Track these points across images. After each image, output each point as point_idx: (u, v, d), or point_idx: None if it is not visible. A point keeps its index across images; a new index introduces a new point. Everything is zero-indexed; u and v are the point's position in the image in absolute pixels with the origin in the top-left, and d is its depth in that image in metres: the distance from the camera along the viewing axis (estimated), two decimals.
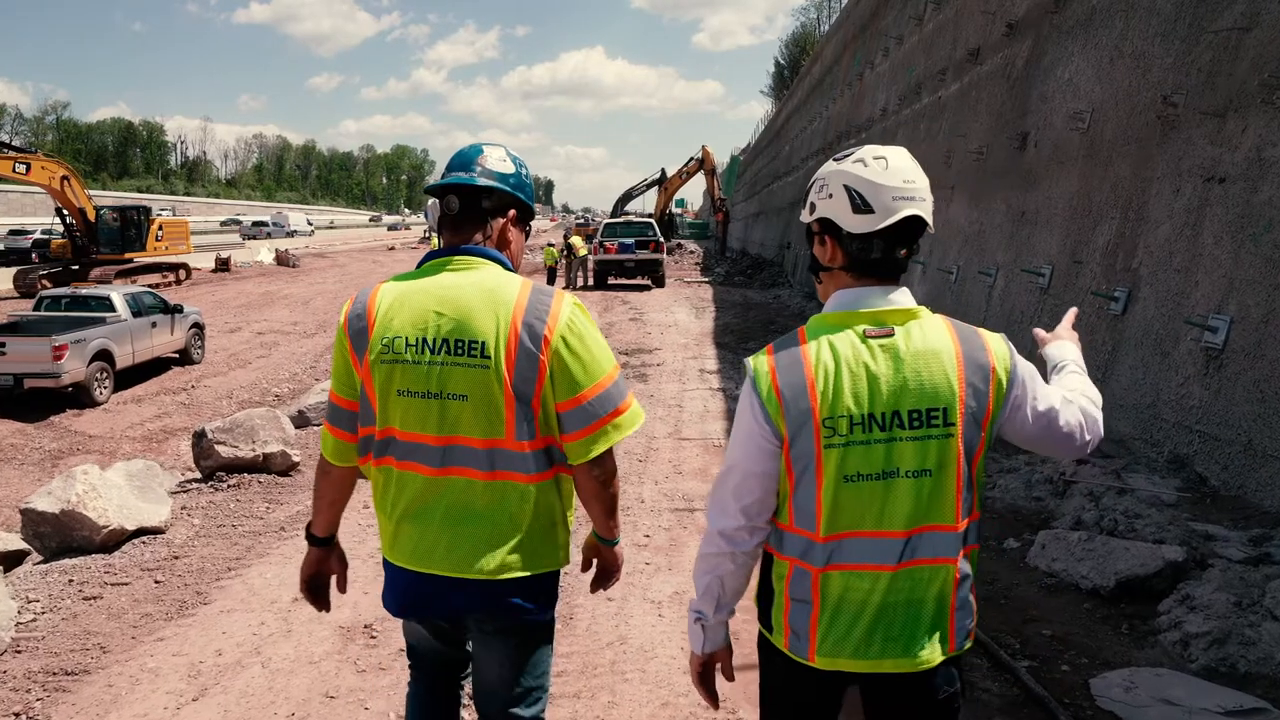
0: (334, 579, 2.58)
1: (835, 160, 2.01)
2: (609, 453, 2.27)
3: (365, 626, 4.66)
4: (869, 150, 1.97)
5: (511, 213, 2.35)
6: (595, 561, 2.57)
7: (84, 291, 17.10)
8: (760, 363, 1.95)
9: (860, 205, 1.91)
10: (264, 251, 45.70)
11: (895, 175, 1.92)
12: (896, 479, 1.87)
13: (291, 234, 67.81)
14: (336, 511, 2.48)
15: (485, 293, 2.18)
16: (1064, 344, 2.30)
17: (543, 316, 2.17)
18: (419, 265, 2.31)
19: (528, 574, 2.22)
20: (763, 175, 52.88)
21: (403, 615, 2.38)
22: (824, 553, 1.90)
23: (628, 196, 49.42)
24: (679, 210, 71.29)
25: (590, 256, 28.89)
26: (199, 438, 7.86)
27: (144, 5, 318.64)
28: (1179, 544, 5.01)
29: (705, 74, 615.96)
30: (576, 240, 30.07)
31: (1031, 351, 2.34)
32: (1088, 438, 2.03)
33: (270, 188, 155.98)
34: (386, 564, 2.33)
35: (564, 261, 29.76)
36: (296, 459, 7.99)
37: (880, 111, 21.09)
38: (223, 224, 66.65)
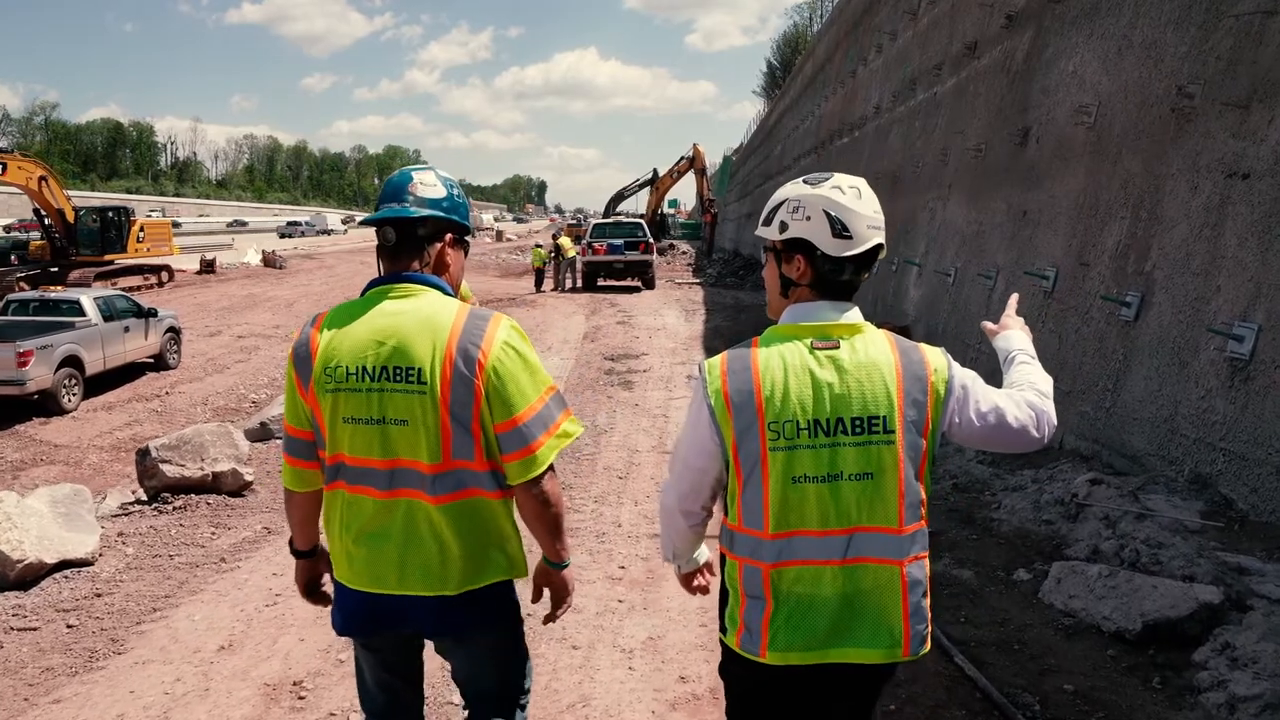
0: (327, 578, 2.58)
1: (808, 184, 2.10)
2: (550, 474, 2.30)
3: (295, 684, 4.09)
4: (843, 179, 2.10)
5: (448, 236, 2.39)
6: (546, 591, 2.53)
7: (52, 295, 16.57)
8: (714, 366, 2.07)
9: (840, 230, 2.03)
10: (251, 253, 45.03)
11: (868, 205, 2.07)
12: (840, 481, 1.98)
13: (328, 233, 74.29)
14: (312, 527, 2.53)
15: (422, 319, 2.23)
16: (1011, 334, 2.38)
17: (477, 341, 2.21)
18: (362, 293, 2.35)
19: (477, 587, 2.27)
20: (755, 175, 52.36)
21: (350, 634, 2.40)
22: (773, 550, 2.00)
23: (620, 197, 48.88)
24: (671, 210, 70.75)
25: (578, 258, 28.32)
26: (142, 455, 7.29)
27: (136, 6, 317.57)
28: (1211, 580, 4.48)
29: (698, 75, 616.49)
30: (565, 241, 29.47)
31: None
32: (1044, 431, 2.13)
33: (261, 189, 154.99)
34: (338, 587, 2.36)
35: (553, 263, 29.20)
36: (249, 478, 7.42)
37: (874, 109, 20.58)
38: None
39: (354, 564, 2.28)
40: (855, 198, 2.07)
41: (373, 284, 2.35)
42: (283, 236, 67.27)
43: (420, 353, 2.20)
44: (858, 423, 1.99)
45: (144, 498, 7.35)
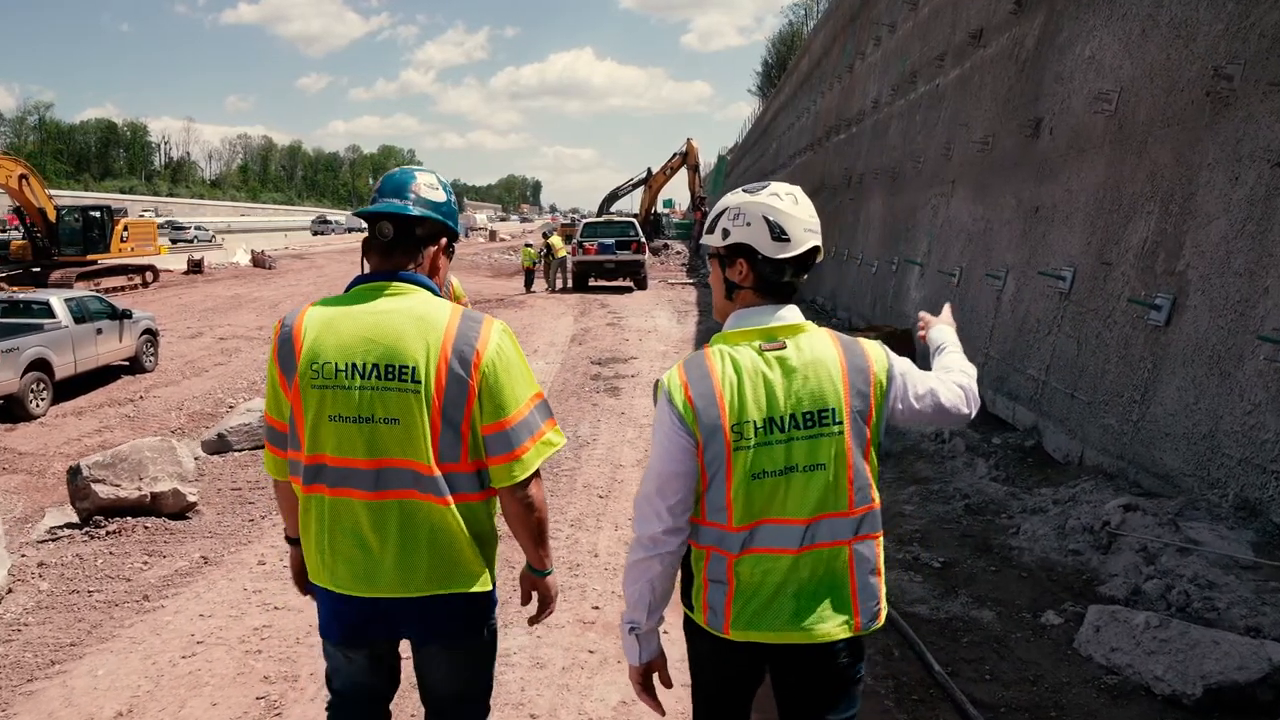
0: None
1: (747, 193, 2.22)
2: (535, 478, 2.30)
3: None
4: (780, 187, 2.23)
5: (443, 241, 2.39)
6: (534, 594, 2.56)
7: (20, 296, 15.94)
8: (673, 379, 2.17)
9: (779, 234, 2.16)
10: (240, 253, 44.48)
11: (804, 210, 2.20)
12: (795, 474, 2.11)
13: (360, 229, 79.64)
14: None
15: (416, 319, 2.21)
16: (943, 328, 2.62)
17: (472, 343, 2.20)
18: (347, 289, 2.31)
19: (467, 591, 2.25)
20: (750, 174, 51.69)
21: (344, 643, 2.34)
22: (738, 540, 2.12)
23: (614, 196, 48.21)
24: (667, 210, 69.97)
25: (569, 257, 27.65)
26: (74, 474, 6.61)
27: (133, 6, 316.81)
28: None
29: (694, 75, 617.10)
30: (556, 241, 28.82)
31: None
32: (971, 407, 2.33)
33: (255, 189, 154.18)
34: (322, 592, 2.30)
35: (543, 263, 28.54)
36: (193, 498, 6.74)
37: (872, 104, 19.92)
38: None
39: (338, 568, 2.22)
40: (792, 204, 2.18)
41: (360, 280, 2.30)
42: (315, 234, 74.57)
43: (414, 351, 2.18)
44: (809, 417, 2.11)
45: (77, 520, 6.68)
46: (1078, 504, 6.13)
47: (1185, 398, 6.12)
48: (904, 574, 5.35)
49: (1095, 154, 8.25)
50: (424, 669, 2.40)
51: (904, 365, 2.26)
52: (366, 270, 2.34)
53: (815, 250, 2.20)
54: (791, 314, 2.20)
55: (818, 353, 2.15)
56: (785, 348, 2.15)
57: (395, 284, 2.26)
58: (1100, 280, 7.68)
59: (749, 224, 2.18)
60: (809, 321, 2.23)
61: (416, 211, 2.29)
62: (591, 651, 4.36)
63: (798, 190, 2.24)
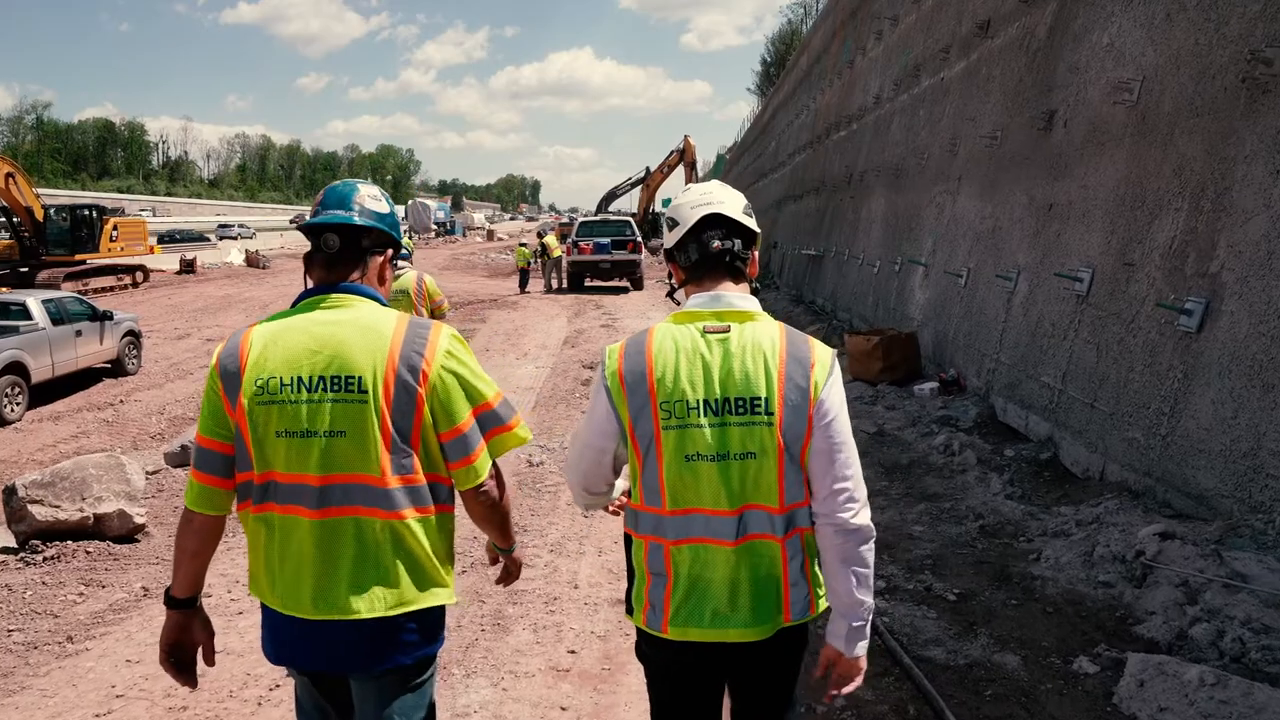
0: (200, 650, 2.31)
1: None
2: (496, 479, 2.28)
3: None
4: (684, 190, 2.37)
5: (388, 252, 2.37)
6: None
7: None
8: (613, 351, 2.21)
9: (672, 224, 2.28)
10: (234, 252, 44.10)
11: (693, 194, 2.28)
12: (729, 461, 2.08)
13: None
14: (200, 565, 2.28)
15: (362, 329, 2.18)
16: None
17: (420, 350, 2.17)
18: (294, 304, 2.27)
19: (414, 609, 2.16)
20: (748, 173, 51.12)
21: (281, 664, 2.26)
22: (673, 527, 2.12)
23: (612, 196, 47.91)
24: (665, 209, 69.52)
25: (564, 257, 27.12)
26: (9, 495, 6.06)
27: (131, 6, 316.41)
28: None
29: (693, 74, 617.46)
30: (551, 240, 28.31)
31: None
32: (861, 514, 2.10)
33: (254, 188, 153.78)
34: (267, 611, 2.22)
35: (539, 263, 28.02)
36: (140, 520, 6.20)
37: (873, 100, 19.38)
38: None
39: (286, 589, 2.14)
40: (684, 196, 2.28)
41: (306, 294, 2.26)
42: None
43: (360, 361, 2.13)
44: (741, 403, 2.08)
45: (13, 545, 6.14)
46: (1103, 526, 5.60)
47: (1222, 411, 5.59)
48: (916, 608, 4.82)
49: (1115, 147, 7.72)
50: (355, 701, 2.28)
51: (842, 397, 2.14)
52: (310, 285, 2.28)
53: (714, 218, 2.18)
54: (741, 300, 2.18)
55: (758, 338, 2.13)
56: (729, 331, 2.14)
57: (340, 295, 2.23)
58: (1122, 282, 7.15)
59: (662, 233, 2.33)
60: (763, 312, 2.22)
61: (362, 222, 2.25)
62: (564, 709, 3.81)
63: (700, 184, 2.33)
